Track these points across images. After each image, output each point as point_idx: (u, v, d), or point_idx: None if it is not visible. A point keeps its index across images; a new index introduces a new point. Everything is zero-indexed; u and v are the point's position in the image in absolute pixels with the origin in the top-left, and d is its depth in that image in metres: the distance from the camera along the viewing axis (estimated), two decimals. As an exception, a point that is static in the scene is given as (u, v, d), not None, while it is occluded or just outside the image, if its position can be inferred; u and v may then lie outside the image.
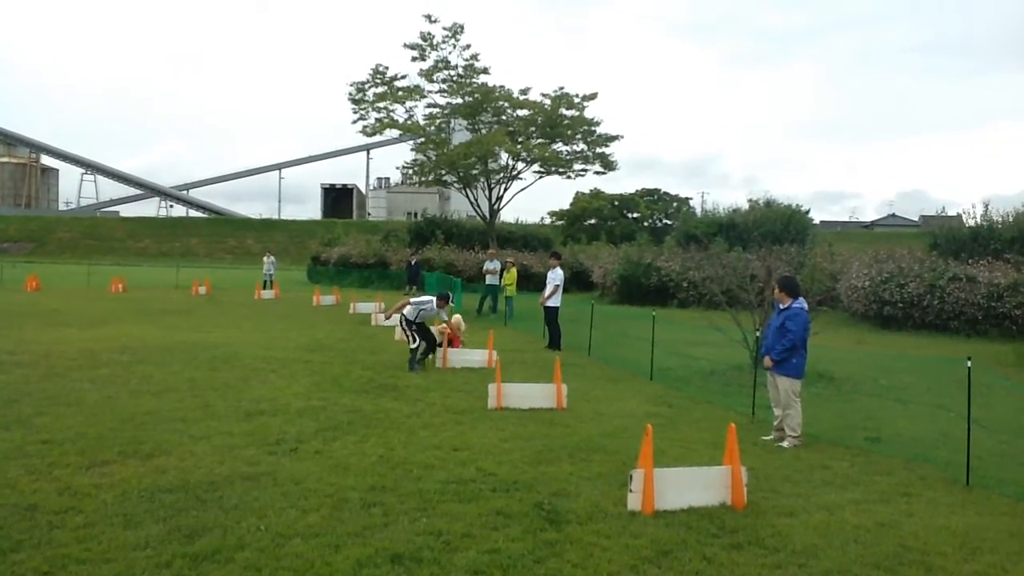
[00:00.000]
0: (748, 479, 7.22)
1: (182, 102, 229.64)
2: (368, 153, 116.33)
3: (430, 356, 14.94)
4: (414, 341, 14.57)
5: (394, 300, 27.61)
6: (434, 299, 15.11)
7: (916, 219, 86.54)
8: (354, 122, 43.65)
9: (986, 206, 34.36)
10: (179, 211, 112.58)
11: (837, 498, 7.46)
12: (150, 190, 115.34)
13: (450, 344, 15.68)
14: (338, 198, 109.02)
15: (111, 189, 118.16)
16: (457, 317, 16.84)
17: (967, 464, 8.26)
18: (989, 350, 18.51)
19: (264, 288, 34.58)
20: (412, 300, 15.11)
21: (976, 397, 8.74)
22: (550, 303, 18.35)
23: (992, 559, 5.99)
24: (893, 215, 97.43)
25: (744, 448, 7.77)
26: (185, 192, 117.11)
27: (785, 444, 9.57)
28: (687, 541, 6.16)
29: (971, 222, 34.61)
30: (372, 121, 43.18)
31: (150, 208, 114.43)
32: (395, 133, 46.94)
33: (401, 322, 15.05)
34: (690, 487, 7.02)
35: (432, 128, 44.13)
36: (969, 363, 8.59)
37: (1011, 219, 33.18)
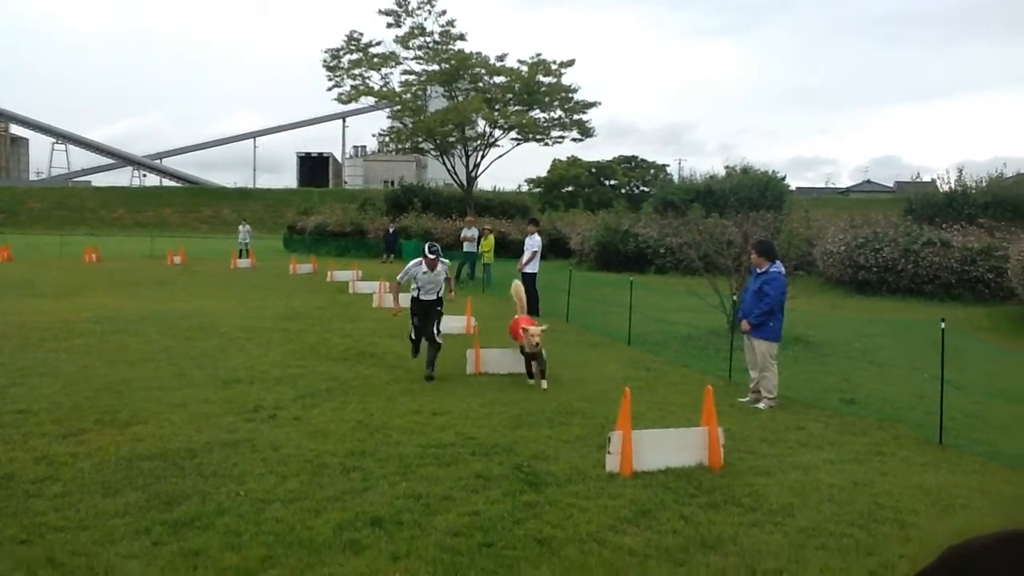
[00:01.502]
0: (725, 440, 7.30)
1: (154, 70, 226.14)
2: (344, 121, 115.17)
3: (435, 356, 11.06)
4: (413, 332, 11.49)
5: (372, 269, 27.58)
6: (419, 260, 11.23)
7: (891, 185, 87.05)
8: (329, 89, 43.16)
9: (960, 172, 34.58)
10: (152, 181, 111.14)
11: (812, 458, 7.55)
12: (122, 159, 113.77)
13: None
14: (314, 167, 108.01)
15: (83, 159, 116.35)
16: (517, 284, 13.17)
17: (940, 424, 8.38)
18: (962, 314, 18.72)
19: (240, 257, 34.33)
20: (403, 276, 11.70)
21: (950, 359, 8.85)
22: (528, 269, 18.35)
23: (964, 516, 6.10)
24: (868, 181, 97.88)
25: (721, 410, 7.83)
26: (158, 161, 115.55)
27: (761, 406, 9.66)
28: (665, 501, 6.22)
29: (945, 188, 34.83)
30: (347, 88, 42.72)
31: (123, 178, 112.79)
32: (371, 101, 46.38)
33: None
34: (668, 448, 7.08)
35: (408, 95, 43.74)
36: (943, 325, 8.69)
37: (984, 185, 33.43)
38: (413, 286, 11.36)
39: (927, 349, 11.90)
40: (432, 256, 11.10)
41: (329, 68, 42.68)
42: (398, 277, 11.59)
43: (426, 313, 11.27)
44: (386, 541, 5.32)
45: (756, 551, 5.32)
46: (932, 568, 0.65)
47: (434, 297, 11.29)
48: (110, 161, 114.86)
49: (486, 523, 5.67)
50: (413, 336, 11.51)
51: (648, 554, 5.24)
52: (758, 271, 10.07)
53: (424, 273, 11.15)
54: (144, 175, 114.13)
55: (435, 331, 11.15)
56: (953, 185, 34.30)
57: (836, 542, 5.49)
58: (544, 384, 10.35)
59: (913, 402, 10.11)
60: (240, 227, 38.51)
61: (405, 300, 11.57)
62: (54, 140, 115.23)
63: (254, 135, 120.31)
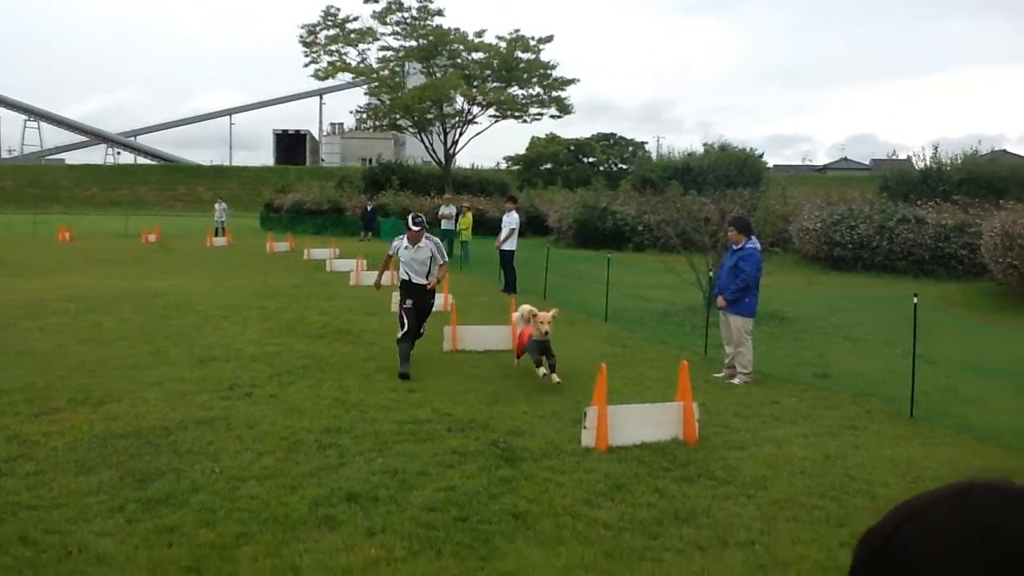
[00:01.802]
0: (700, 415, 7.35)
1: (128, 47, 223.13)
2: (321, 98, 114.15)
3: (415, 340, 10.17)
4: (401, 325, 9.96)
5: (349, 247, 27.45)
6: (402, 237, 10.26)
7: (867, 163, 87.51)
8: (305, 66, 42.68)
9: (935, 149, 34.97)
10: (127, 158, 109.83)
11: (786, 432, 7.63)
12: (96, 137, 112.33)
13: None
14: (291, 144, 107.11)
15: (55, 136, 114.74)
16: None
17: (911, 398, 8.48)
18: (936, 289, 18.90)
19: (216, 235, 34.06)
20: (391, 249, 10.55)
21: (922, 334, 8.94)
22: (505, 247, 18.34)
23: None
24: (845, 159, 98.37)
25: (696, 385, 7.89)
26: (133, 139, 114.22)
27: (736, 381, 9.74)
28: (640, 475, 6.27)
29: (921, 165, 35.10)
30: (324, 65, 42.26)
31: (96, 155, 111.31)
32: (348, 77, 45.92)
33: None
34: (643, 423, 7.13)
35: (386, 72, 43.37)
36: (915, 300, 8.77)
37: (959, 162, 33.74)
38: (402, 268, 10.15)
39: (900, 324, 12.01)
40: (416, 228, 9.91)
41: (305, 44, 42.22)
42: (389, 251, 10.50)
43: (415, 297, 9.99)
44: (362, 517, 5.34)
45: (729, 523, 5.38)
46: (880, 525, 0.66)
47: (424, 280, 10.01)
48: (84, 139, 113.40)
49: (462, 498, 5.69)
50: (405, 323, 9.83)
51: (622, 527, 5.29)
52: (734, 247, 10.11)
53: (406, 248, 9.99)
54: (118, 153, 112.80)
55: (423, 324, 10.20)
56: (928, 162, 34.59)
57: (808, 514, 5.56)
58: (556, 378, 9.13)
59: (885, 376, 10.22)
60: (216, 205, 38.20)
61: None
62: (26, 118, 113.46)
63: (230, 112, 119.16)
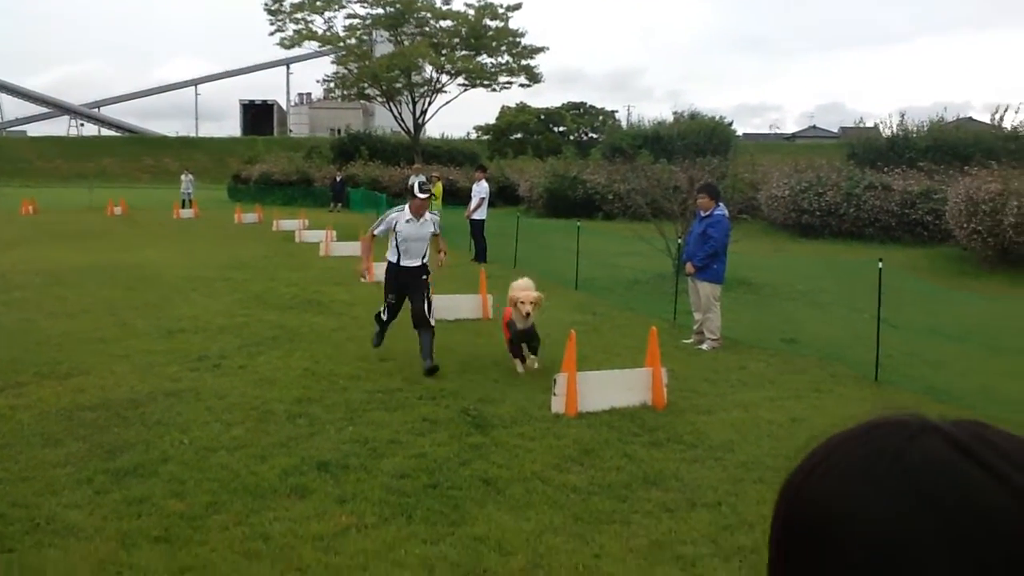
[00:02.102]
0: (668, 380, 7.43)
1: (90, 15, 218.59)
2: (288, 68, 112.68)
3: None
4: (382, 312, 8.82)
5: (319, 218, 27.24)
6: (402, 208, 8.75)
7: (836, 131, 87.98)
8: (271, 34, 42.25)
9: (902, 116, 35.10)
10: (91, 130, 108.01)
11: (753, 396, 7.73)
12: (59, 108, 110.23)
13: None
14: (258, 115, 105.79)
15: (16, 108, 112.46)
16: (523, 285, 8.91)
17: (876, 362, 8.61)
18: (902, 255, 19.12)
19: (183, 207, 33.66)
20: (380, 225, 8.80)
21: (887, 299, 9.06)
22: (476, 216, 18.32)
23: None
24: (814, 127, 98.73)
25: (665, 351, 7.95)
26: (96, 110, 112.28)
27: (705, 347, 9.83)
28: (609, 440, 6.33)
29: (888, 132, 35.32)
30: (290, 33, 41.87)
31: (59, 127, 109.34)
32: (314, 46, 45.49)
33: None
34: (612, 389, 7.19)
35: (353, 40, 42.94)
36: (880, 265, 8.88)
37: (925, 129, 33.99)
38: (391, 245, 8.59)
39: (866, 290, 12.15)
40: (424, 196, 8.47)
41: (271, 12, 41.72)
42: (372, 229, 8.80)
43: (406, 284, 8.54)
44: (332, 485, 5.36)
45: (696, 485, 5.45)
46: (794, 471, 0.68)
47: (419, 263, 8.55)
48: (46, 110, 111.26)
49: (432, 465, 5.73)
50: (384, 316, 8.70)
51: (592, 491, 5.35)
52: (702, 214, 10.17)
53: (407, 222, 8.43)
54: (82, 124, 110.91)
55: (425, 308, 8.43)
56: (895, 130, 34.81)
57: (774, 475, 5.64)
58: (534, 363, 8.43)
59: (851, 341, 10.35)
60: (182, 177, 37.68)
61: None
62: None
63: (195, 82, 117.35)
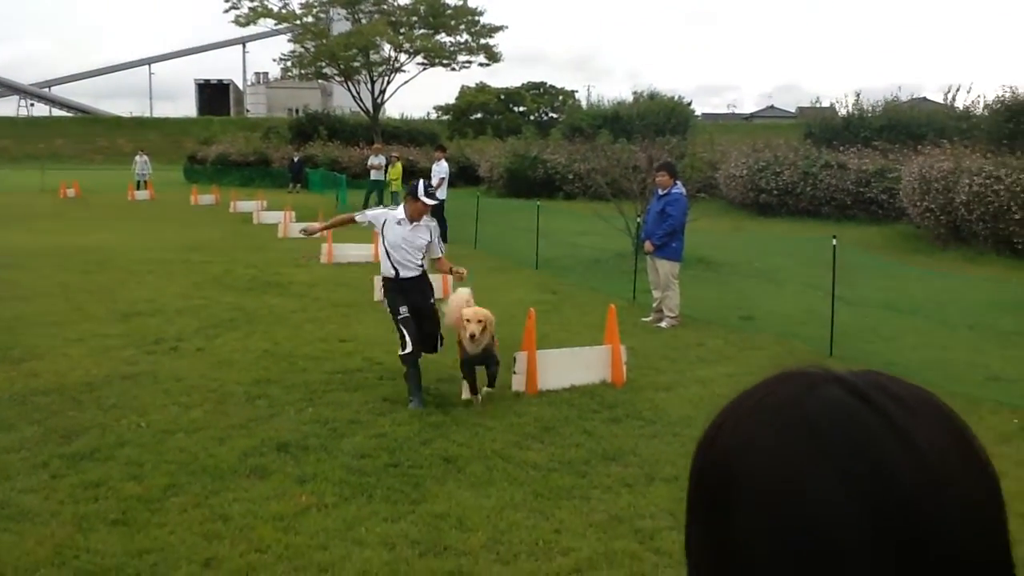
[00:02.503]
0: (628, 358, 7.49)
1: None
2: (244, 47, 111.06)
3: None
4: (402, 342, 6.93)
5: (277, 198, 26.95)
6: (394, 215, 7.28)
7: (793, 111, 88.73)
8: (226, 11, 41.44)
9: (858, 96, 35.48)
10: (42, 110, 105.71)
11: (711, 372, 7.83)
12: (8, 88, 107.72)
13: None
14: (214, 95, 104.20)
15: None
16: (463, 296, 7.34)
17: (831, 338, 8.75)
18: (857, 233, 19.39)
19: (138, 189, 33.10)
20: (368, 213, 7.82)
21: (842, 276, 9.22)
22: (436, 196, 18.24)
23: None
24: (772, 107, 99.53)
25: (624, 329, 8.02)
26: (47, 90, 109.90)
27: (663, 324, 9.92)
28: (569, 417, 6.39)
29: (843, 112, 35.72)
30: (245, 11, 41.08)
31: (8, 107, 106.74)
32: (271, 24, 44.75)
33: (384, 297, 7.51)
34: (572, 367, 7.24)
35: (310, 18, 42.36)
36: (834, 243, 9.02)
37: (880, 109, 34.42)
38: (382, 258, 7.27)
39: (821, 267, 12.33)
40: (429, 202, 7.19)
41: (225, -11, 40.91)
42: (356, 216, 7.73)
43: (411, 292, 7.15)
44: (292, 465, 5.35)
45: (655, 460, 5.52)
46: (707, 427, 0.70)
47: (418, 272, 7.23)
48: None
49: (393, 444, 5.74)
50: (408, 343, 6.85)
51: (551, 467, 5.40)
52: (660, 192, 10.23)
53: (399, 223, 7.11)
54: (32, 104, 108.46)
55: (438, 332, 7.35)
56: (851, 109, 35.20)
57: (730, 449, 5.73)
58: (486, 390, 6.93)
59: (807, 317, 10.51)
60: (137, 157, 36.97)
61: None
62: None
63: (148, 61, 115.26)
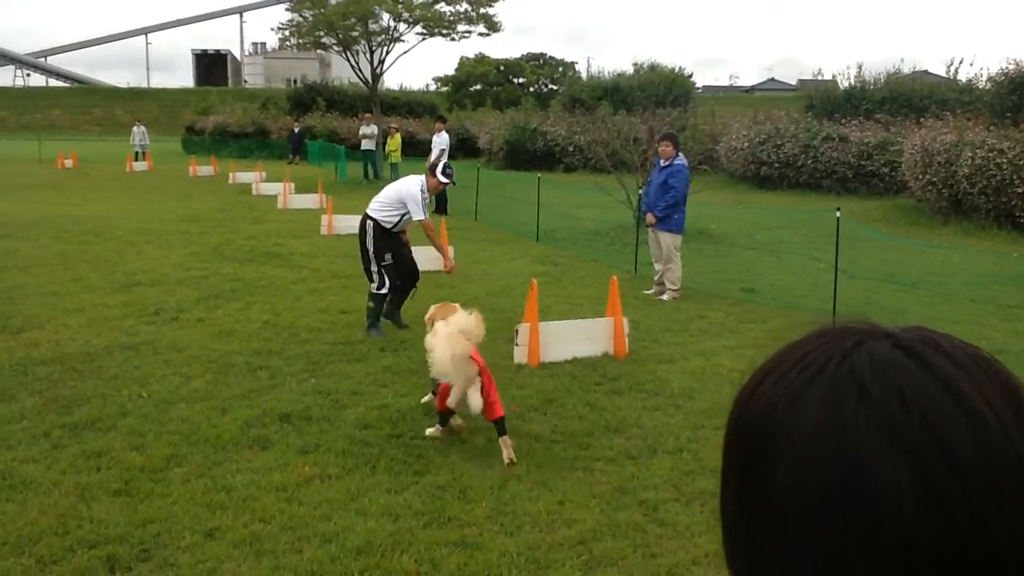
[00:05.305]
0: (629, 330, 7.47)
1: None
2: (241, 16, 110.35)
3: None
4: (381, 282, 7.99)
5: (276, 170, 26.83)
6: (421, 181, 8.25)
7: (794, 83, 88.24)
8: (223, -19, 41.06)
9: (859, 68, 35.28)
10: (38, 80, 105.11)
11: (713, 345, 7.81)
12: (3, 58, 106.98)
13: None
14: (211, 65, 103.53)
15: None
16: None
17: (833, 310, 8.74)
18: (858, 206, 19.33)
19: (136, 160, 32.94)
20: (421, 208, 8.18)
21: (844, 249, 9.18)
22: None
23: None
24: (772, 79, 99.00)
25: (626, 301, 7.99)
26: (43, 60, 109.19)
27: (665, 297, 9.89)
28: (571, 389, 6.37)
29: (845, 84, 35.52)
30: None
31: (4, 78, 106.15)
32: (268, -7, 44.39)
33: (365, 241, 8.11)
34: (574, 339, 7.22)
35: (307, -14, 41.91)
36: (839, 214, 8.97)
37: (882, 81, 34.23)
38: (394, 213, 8.06)
39: (823, 240, 12.32)
40: (444, 181, 8.43)
41: (222, -42, 40.50)
42: (426, 216, 8.28)
43: (394, 239, 8.23)
44: (294, 436, 5.33)
45: (658, 432, 5.51)
46: (747, 380, 0.68)
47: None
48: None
49: (395, 415, 5.72)
50: (386, 281, 7.99)
51: (554, 439, 5.39)
52: (663, 163, 10.16)
53: (426, 201, 8.40)
54: (28, 75, 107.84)
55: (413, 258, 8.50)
56: (852, 82, 35.01)
57: (733, 422, 5.72)
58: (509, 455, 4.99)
59: (809, 290, 10.49)
60: (134, 128, 36.79)
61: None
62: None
63: (145, 31, 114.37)
